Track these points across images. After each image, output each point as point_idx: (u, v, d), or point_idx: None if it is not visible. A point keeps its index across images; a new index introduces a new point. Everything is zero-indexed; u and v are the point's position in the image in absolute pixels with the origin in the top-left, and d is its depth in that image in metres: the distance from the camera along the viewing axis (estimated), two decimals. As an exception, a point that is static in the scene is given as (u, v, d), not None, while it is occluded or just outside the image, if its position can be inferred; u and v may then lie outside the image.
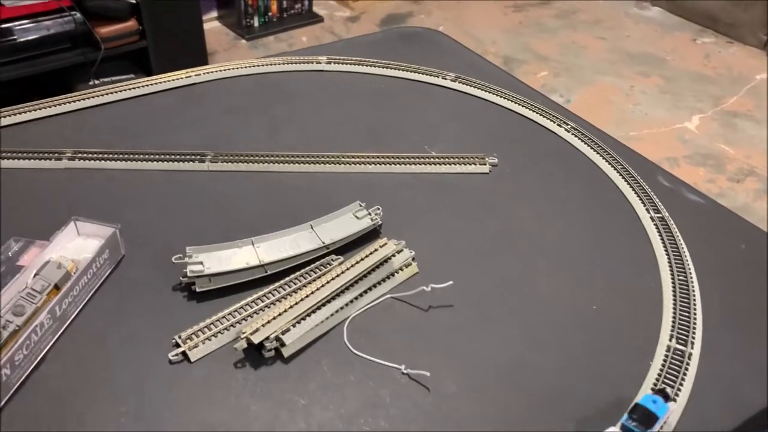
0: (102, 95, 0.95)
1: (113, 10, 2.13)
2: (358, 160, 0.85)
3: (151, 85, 0.98)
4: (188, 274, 0.66)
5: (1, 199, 0.77)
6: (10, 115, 0.90)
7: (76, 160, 0.83)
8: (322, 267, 0.70)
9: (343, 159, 0.85)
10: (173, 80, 1.00)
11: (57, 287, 0.61)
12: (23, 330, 0.57)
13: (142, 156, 0.84)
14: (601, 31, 3.10)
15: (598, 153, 0.89)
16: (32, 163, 0.82)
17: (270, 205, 0.79)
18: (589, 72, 2.77)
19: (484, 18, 3.19)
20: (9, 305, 0.58)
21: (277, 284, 0.68)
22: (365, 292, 0.67)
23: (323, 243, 0.72)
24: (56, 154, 0.83)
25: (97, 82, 2.19)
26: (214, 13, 3.03)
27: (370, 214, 0.75)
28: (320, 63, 1.06)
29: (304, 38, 2.96)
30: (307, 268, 0.70)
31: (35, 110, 0.91)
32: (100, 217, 0.71)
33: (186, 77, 1.00)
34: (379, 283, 0.69)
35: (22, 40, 2.06)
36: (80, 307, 0.64)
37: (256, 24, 2.98)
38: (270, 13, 3.01)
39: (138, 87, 0.98)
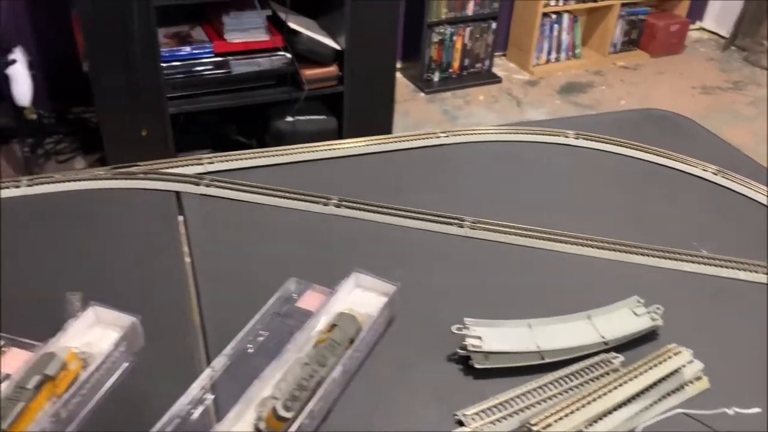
0: (356, 146, 0.98)
1: (319, 55, 2.26)
2: (623, 248, 0.81)
3: (402, 141, 1.00)
4: (468, 348, 0.64)
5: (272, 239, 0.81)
6: (273, 156, 0.94)
7: (341, 207, 0.85)
8: (602, 364, 0.66)
9: (606, 245, 0.81)
10: (421, 139, 1.01)
11: (351, 341, 0.61)
12: (324, 381, 0.57)
13: (401, 212, 0.84)
14: (803, 124, 2.87)
15: None
16: (303, 204, 0.85)
17: (533, 282, 0.76)
18: (788, 167, 2.56)
19: (669, 97, 3.06)
20: (314, 355, 0.58)
21: (556, 375, 0.64)
22: (655, 402, 0.62)
23: (603, 338, 0.67)
24: (323, 200, 0.86)
25: (292, 119, 2.32)
26: (398, 65, 3.14)
27: (650, 312, 0.70)
28: (568, 137, 1.04)
29: (480, 97, 2.98)
30: (587, 363, 0.66)
31: (299, 153, 0.95)
32: (364, 267, 0.71)
33: (436, 138, 1.01)
34: (668, 394, 0.63)
35: (235, 72, 2.22)
36: (359, 362, 0.64)
37: (436, 79, 3.05)
38: (450, 70, 3.07)
39: (390, 142, 1.00)
